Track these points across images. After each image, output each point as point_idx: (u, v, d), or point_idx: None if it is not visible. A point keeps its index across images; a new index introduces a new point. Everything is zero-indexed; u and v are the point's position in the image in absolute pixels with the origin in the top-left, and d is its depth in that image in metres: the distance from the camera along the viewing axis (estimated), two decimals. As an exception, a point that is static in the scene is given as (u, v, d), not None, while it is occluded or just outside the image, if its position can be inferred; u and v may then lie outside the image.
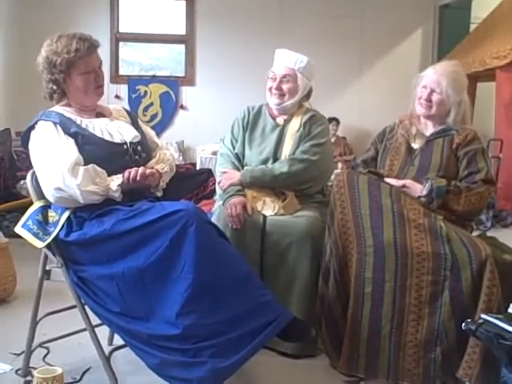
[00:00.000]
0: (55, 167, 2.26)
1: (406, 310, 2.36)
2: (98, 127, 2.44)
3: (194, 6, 8.03)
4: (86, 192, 2.25)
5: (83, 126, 2.41)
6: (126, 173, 2.35)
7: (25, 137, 2.43)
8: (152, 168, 2.49)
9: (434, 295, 2.34)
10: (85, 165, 2.30)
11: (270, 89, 3.03)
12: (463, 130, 2.73)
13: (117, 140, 2.44)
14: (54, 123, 2.36)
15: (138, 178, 2.35)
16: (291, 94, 3.00)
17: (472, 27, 8.16)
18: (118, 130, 2.48)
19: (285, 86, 2.99)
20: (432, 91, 2.72)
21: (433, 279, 2.33)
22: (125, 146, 2.45)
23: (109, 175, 2.34)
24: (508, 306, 2.11)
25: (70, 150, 2.31)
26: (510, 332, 1.96)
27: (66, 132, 2.35)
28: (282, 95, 3.00)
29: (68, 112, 2.43)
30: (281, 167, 2.89)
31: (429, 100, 2.73)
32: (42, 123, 2.37)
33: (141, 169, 2.38)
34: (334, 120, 7.55)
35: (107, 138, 2.42)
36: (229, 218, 2.75)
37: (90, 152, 2.34)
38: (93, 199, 2.29)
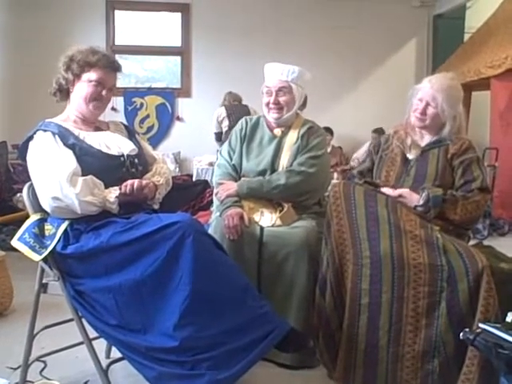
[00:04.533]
0: (53, 176, 2.27)
1: (403, 321, 2.36)
2: (96, 140, 2.45)
3: (189, 17, 8.07)
4: (84, 202, 2.26)
5: (81, 137, 2.42)
6: (123, 187, 2.36)
7: (23, 147, 2.43)
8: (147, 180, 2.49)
9: (431, 306, 2.33)
10: (82, 176, 2.30)
11: (267, 104, 3.01)
12: (458, 140, 2.74)
13: (114, 152, 2.45)
14: (53, 133, 2.37)
15: (134, 191, 2.36)
16: (289, 107, 3.00)
17: (466, 37, 8.21)
18: (115, 143, 2.49)
19: (282, 99, 2.98)
20: (427, 105, 2.73)
21: (429, 290, 2.33)
22: (122, 159, 2.45)
23: (106, 187, 2.35)
24: (506, 315, 2.11)
25: (68, 160, 2.32)
26: (508, 341, 1.95)
27: (65, 143, 2.36)
28: (280, 109, 2.99)
29: (66, 124, 2.45)
30: (278, 179, 2.89)
31: (424, 113, 2.74)
32: (40, 133, 2.39)
33: (136, 182, 2.39)
34: (328, 130, 7.56)
35: (104, 150, 2.43)
36: (226, 229, 2.74)
37: (87, 163, 2.35)
38: (90, 210, 2.29)
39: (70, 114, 2.52)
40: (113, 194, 2.33)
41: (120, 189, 2.35)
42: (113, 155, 2.44)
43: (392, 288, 2.36)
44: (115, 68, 2.53)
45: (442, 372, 2.33)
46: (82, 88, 2.45)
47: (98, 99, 2.47)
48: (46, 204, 2.32)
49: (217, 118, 6.62)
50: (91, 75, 2.44)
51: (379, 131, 7.66)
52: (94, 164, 2.37)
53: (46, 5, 7.53)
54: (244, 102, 6.76)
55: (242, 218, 2.78)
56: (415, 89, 2.81)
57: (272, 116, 3.02)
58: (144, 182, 2.44)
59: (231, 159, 3.09)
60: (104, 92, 2.47)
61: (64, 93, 2.51)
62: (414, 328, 2.35)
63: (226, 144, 3.18)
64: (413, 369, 2.36)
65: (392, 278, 2.36)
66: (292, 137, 3.03)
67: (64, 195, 2.25)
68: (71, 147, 2.36)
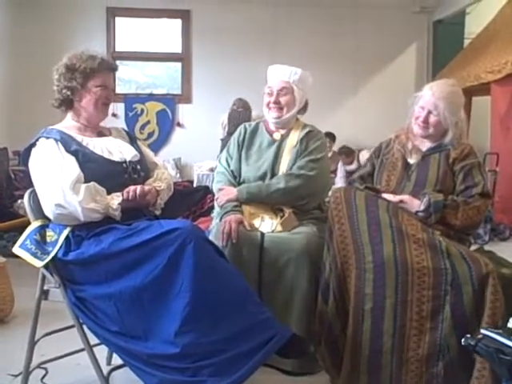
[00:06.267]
0: (56, 183, 2.27)
1: (407, 325, 2.35)
2: (99, 145, 2.46)
3: (189, 24, 8.09)
4: (86, 209, 2.26)
5: (84, 143, 2.43)
6: (125, 193, 2.37)
7: (25, 154, 2.44)
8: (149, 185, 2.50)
9: (435, 310, 2.32)
10: (84, 182, 2.30)
11: (268, 104, 3.04)
12: (459, 145, 2.74)
13: (116, 158, 2.46)
14: (56, 140, 2.37)
15: (137, 197, 2.36)
16: (289, 107, 3.01)
17: (466, 42, 8.22)
18: (118, 149, 2.50)
19: (282, 99, 3.00)
20: (429, 113, 2.73)
21: (434, 294, 2.32)
22: (124, 165, 2.46)
23: (108, 193, 2.35)
24: (507, 321, 2.11)
25: (71, 167, 2.32)
26: (509, 347, 1.95)
27: (67, 150, 2.37)
28: (280, 108, 3.01)
29: (69, 130, 2.46)
30: (277, 183, 2.89)
31: (426, 121, 2.74)
32: (43, 140, 2.39)
33: (139, 188, 2.39)
34: (330, 136, 7.55)
35: (107, 156, 2.44)
36: (221, 234, 2.71)
37: (89, 170, 2.35)
38: (93, 217, 2.29)
39: (74, 121, 2.52)
40: (115, 200, 2.33)
41: (122, 195, 2.36)
42: (115, 161, 2.45)
43: (396, 292, 2.35)
44: (114, 68, 2.58)
45: (447, 375, 2.32)
46: (90, 95, 2.46)
47: (107, 102, 2.51)
48: (49, 211, 2.32)
49: (221, 124, 6.67)
50: (96, 81, 2.46)
51: (346, 152, 7.59)
52: (96, 170, 2.37)
53: (47, 11, 7.56)
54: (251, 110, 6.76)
55: (241, 223, 2.78)
56: (416, 96, 2.80)
57: (272, 115, 3.03)
58: (146, 188, 2.44)
59: (229, 166, 3.09)
60: (110, 93, 2.52)
61: (68, 103, 2.50)
62: (418, 332, 2.34)
63: (224, 151, 3.19)
64: (417, 373, 2.35)
65: (396, 283, 2.35)
66: (291, 141, 3.03)
67: (67, 202, 2.25)
68: (74, 153, 2.37)
